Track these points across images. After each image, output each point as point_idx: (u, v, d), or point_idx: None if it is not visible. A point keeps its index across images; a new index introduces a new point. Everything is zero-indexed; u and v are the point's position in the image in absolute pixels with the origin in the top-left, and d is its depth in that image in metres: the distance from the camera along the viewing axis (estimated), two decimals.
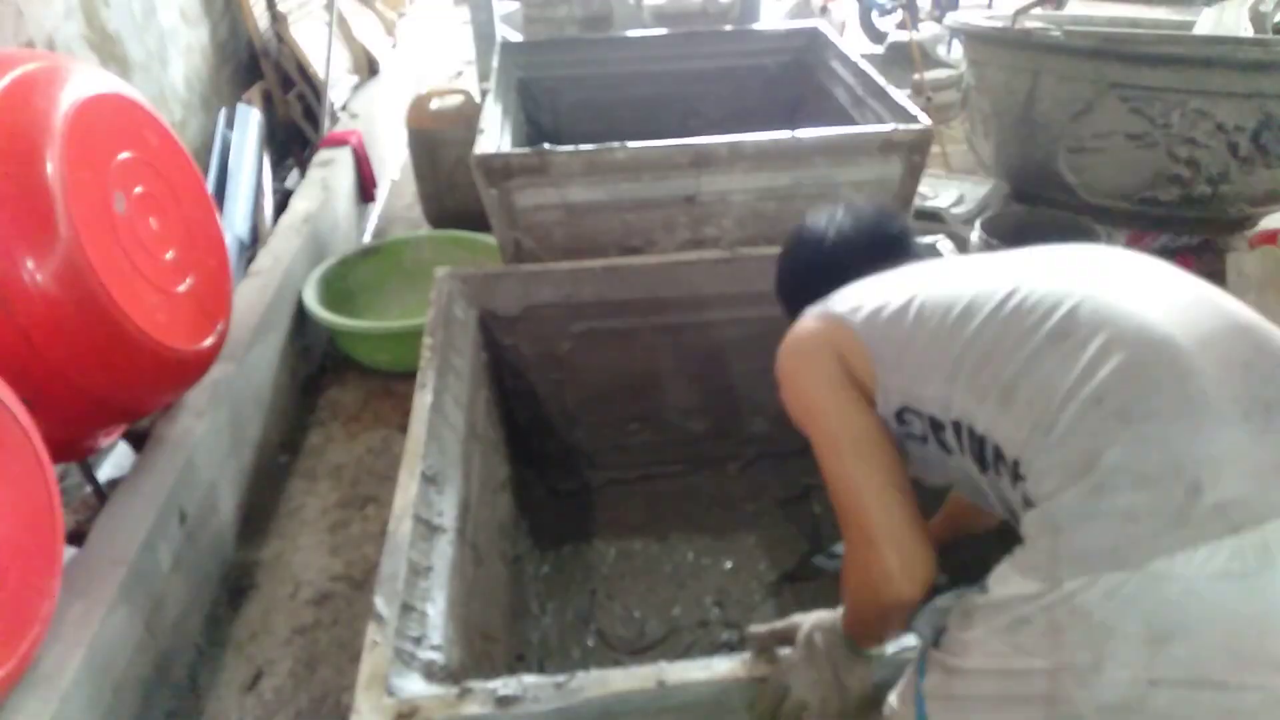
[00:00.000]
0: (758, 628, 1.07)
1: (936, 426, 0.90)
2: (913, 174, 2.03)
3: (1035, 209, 2.90)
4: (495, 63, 2.64)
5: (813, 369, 0.97)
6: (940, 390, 0.88)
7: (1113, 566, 0.71)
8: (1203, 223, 3.03)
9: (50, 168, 1.46)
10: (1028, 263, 0.93)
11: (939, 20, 5.56)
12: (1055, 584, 0.73)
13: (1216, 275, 2.87)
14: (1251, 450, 0.71)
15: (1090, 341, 0.78)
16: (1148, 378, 0.75)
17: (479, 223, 2.45)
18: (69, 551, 1.52)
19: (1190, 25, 3.52)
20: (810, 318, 1.02)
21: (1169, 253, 3.16)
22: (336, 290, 2.75)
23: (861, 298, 0.98)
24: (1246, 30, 3.23)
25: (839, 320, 0.97)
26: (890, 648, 1.01)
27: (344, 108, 3.77)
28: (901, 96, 2.18)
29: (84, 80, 1.63)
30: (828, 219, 1.21)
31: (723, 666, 0.99)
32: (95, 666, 1.44)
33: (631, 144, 1.91)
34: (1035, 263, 0.92)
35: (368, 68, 4.11)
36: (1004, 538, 0.80)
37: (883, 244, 1.16)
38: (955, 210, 2.99)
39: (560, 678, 0.98)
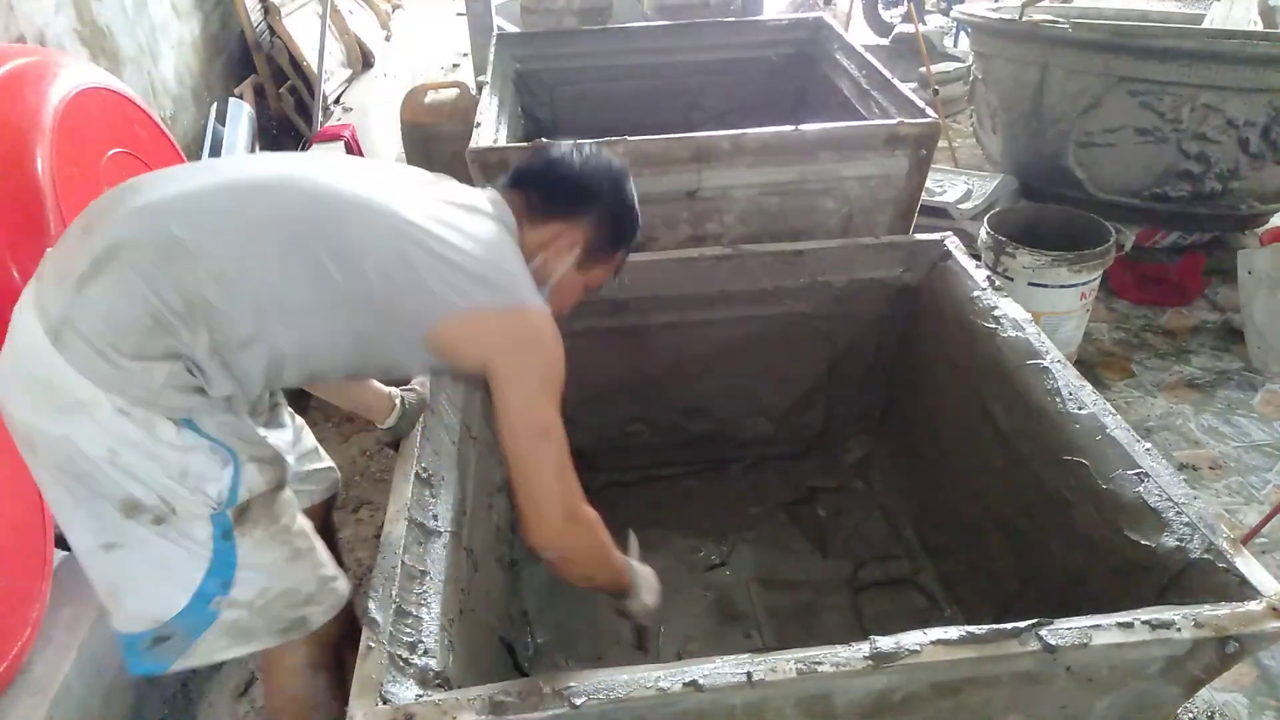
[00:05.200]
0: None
1: None
2: (919, 168, 2.01)
3: (1044, 205, 2.86)
4: (492, 55, 2.61)
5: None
6: None
7: None
8: (1213, 219, 3.00)
9: (40, 165, 1.45)
10: None
11: (945, 12, 5.52)
12: None
13: (1227, 273, 2.84)
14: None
15: None
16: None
17: None
18: (59, 555, 1.50)
19: (1200, 19, 3.49)
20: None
21: (1179, 250, 3.12)
22: None
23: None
24: (1256, 24, 3.20)
25: None
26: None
27: (337, 101, 3.74)
28: (907, 89, 2.16)
29: (75, 75, 1.63)
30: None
31: (725, 672, 0.96)
32: (86, 671, 1.42)
33: (631, 138, 1.88)
34: None
35: (361, 61, 4.08)
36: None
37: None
38: (962, 206, 2.95)
39: (559, 684, 0.96)
